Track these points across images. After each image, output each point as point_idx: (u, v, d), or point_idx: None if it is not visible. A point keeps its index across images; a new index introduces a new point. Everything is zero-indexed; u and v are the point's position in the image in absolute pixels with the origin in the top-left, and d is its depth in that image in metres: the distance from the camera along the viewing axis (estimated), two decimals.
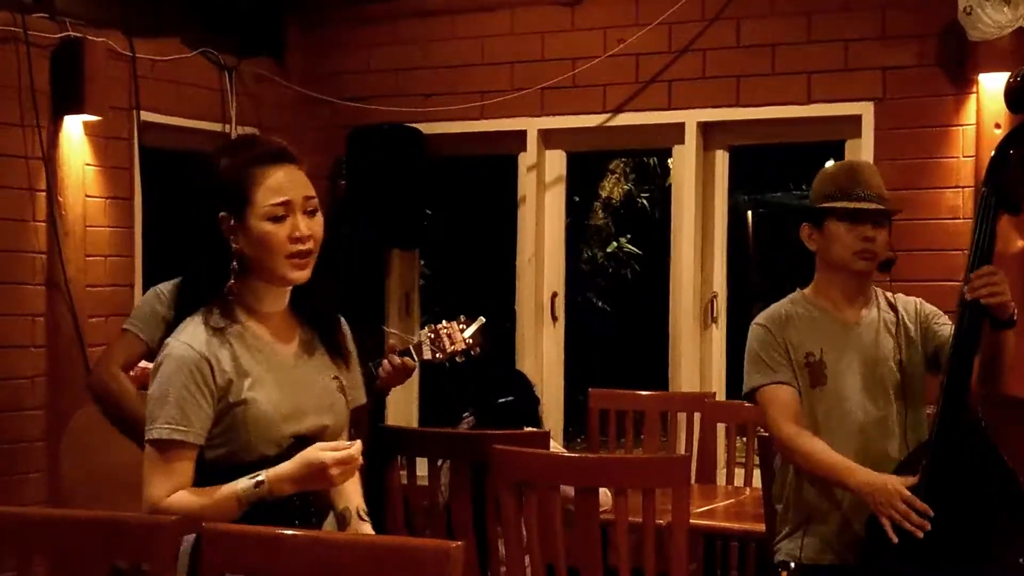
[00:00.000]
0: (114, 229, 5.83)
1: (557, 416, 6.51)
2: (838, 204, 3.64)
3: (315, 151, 6.69)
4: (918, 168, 5.57)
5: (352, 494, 2.96)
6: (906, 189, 5.40)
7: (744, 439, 5.45)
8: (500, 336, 6.57)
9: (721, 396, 6.08)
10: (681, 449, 5.64)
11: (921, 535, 3.31)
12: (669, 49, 6.08)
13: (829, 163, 7.53)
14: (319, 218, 2.84)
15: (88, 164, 5.65)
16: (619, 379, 6.87)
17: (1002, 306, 3.36)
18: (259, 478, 2.72)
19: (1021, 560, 3.25)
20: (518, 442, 4.02)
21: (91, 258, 5.66)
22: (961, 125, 5.51)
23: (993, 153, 3.48)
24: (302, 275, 2.82)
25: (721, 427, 5.57)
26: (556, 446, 4.65)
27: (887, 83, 5.68)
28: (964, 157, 5.50)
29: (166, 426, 2.73)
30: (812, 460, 3.56)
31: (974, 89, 5.44)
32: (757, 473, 4.51)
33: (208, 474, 2.77)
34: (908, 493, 3.35)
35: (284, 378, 2.84)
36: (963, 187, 5.50)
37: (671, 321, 6.22)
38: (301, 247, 2.79)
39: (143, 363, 4.42)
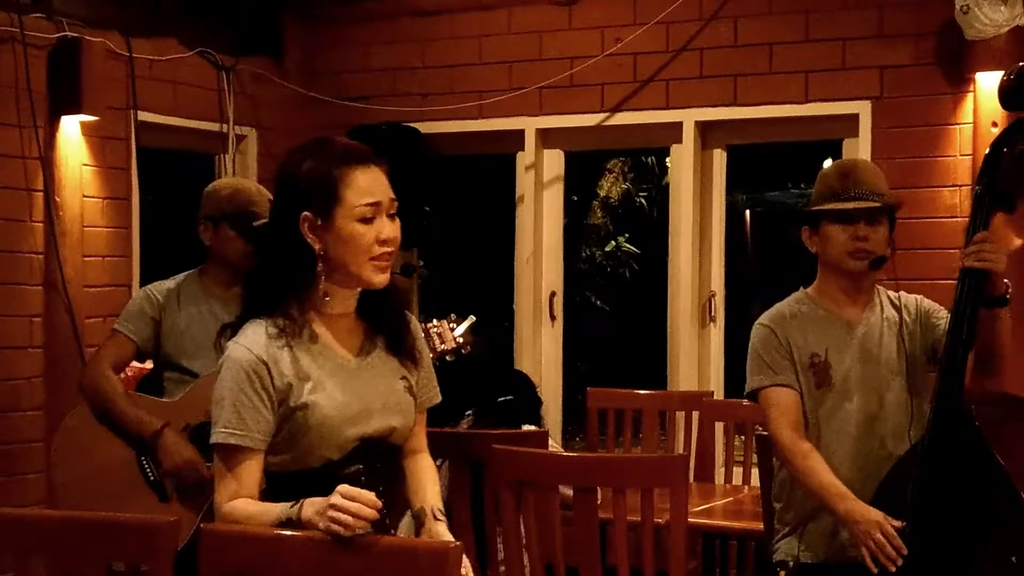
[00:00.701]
0: (111, 229, 5.82)
1: (555, 415, 6.51)
2: (827, 206, 3.66)
3: None
4: (915, 167, 5.58)
5: (429, 494, 2.95)
6: (903, 188, 5.39)
7: (743, 437, 5.45)
8: (498, 335, 6.58)
9: (719, 395, 6.08)
10: (679, 448, 5.64)
11: (893, 568, 3.32)
12: (666, 48, 6.09)
13: (827, 163, 7.54)
14: (398, 222, 2.82)
15: (85, 164, 5.65)
16: (617, 378, 6.86)
17: (994, 278, 3.37)
18: (301, 501, 2.63)
19: (1014, 559, 3.25)
20: (517, 441, 4.02)
21: (88, 258, 5.66)
22: (958, 124, 5.52)
23: (987, 151, 3.49)
24: (384, 278, 2.80)
25: (719, 426, 5.57)
26: (555, 445, 4.65)
27: (884, 82, 5.68)
28: (961, 156, 5.51)
29: (223, 430, 2.72)
30: (807, 477, 3.57)
31: (971, 88, 5.44)
32: (755, 472, 4.51)
33: (274, 480, 2.76)
34: (889, 528, 3.36)
35: (348, 380, 2.81)
36: (960, 186, 5.51)
37: (669, 320, 6.23)
38: (386, 249, 2.77)
39: (135, 363, 4.44)
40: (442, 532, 2.89)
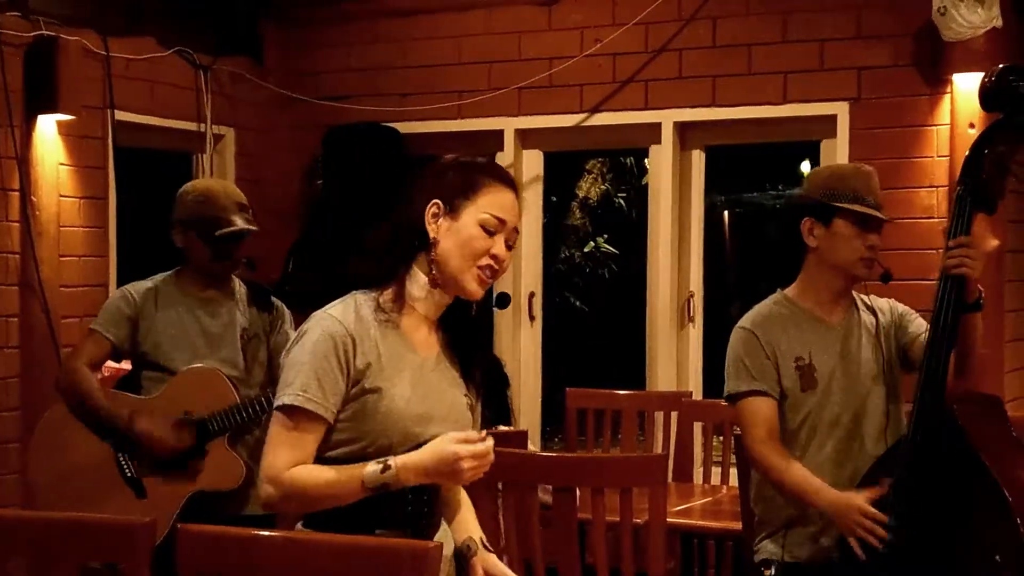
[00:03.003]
0: (88, 229, 5.80)
1: (534, 416, 6.51)
2: (857, 207, 3.64)
3: (291, 150, 6.68)
4: (893, 168, 5.59)
5: (472, 526, 2.95)
6: (881, 189, 5.40)
7: (721, 438, 5.46)
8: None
9: (698, 395, 6.09)
10: (658, 448, 5.65)
11: (880, 546, 3.36)
12: (646, 49, 6.09)
13: (805, 164, 7.55)
14: (511, 254, 2.85)
15: (62, 164, 5.62)
16: (596, 379, 6.87)
17: (969, 284, 3.38)
18: (388, 462, 2.68)
19: (998, 558, 3.26)
20: (495, 442, 4.01)
21: (65, 258, 5.63)
22: (935, 125, 5.54)
23: (968, 153, 3.49)
24: (478, 292, 2.81)
25: (698, 426, 5.57)
26: (533, 447, 4.65)
27: (862, 83, 5.70)
28: (938, 157, 5.52)
29: (301, 394, 2.69)
30: (782, 478, 3.60)
31: (948, 89, 5.46)
32: (734, 472, 4.51)
33: (326, 459, 2.74)
34: (869, 509, 3.39)
35: (420, 379, 2.81)
36: (937, 187, 5.52)
37: (648, 320, 6.23)
38: (491, 264, 2.79)
39: (111, 363, 4.46)
40: (497, 562, 2.92)
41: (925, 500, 3.36)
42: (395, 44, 6.61)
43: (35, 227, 5.44)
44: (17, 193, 5.45)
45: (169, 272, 4.43)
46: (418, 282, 2.82)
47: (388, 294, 2.82)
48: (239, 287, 4.46)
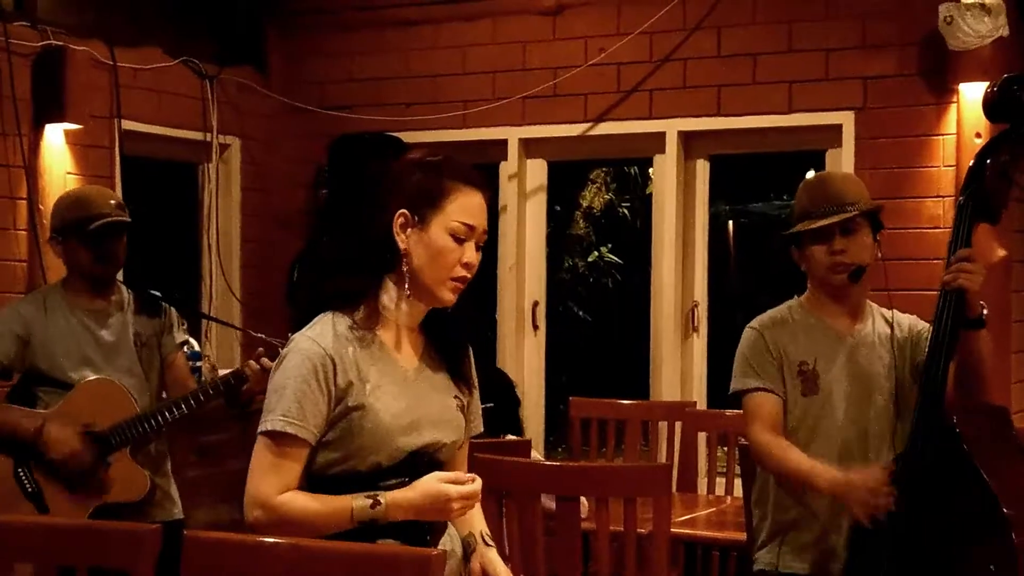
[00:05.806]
0: None
1: (538, 425, 6.51)
2: (800, 228, 3.67)
3: (296, 160, 6.69)
4: (899, 177, 5.60)
5: (475, 519, 2.93)
6: (887, 198, 5.38)
7: (725, 448, 5.45)
8: (478, 344, 6.57)
9: (702, 405, 6.09)
10: (662, 458, 5.64)
11: (882, 515, 3.33)
12: (650, 58, 6.10)
13: (810, 174, 7.56)
14: (480, 255, 2.83)
15: (69, 172, 5.63)
16: (600, 388, 6.87)
17: (970, 299, 3.37)
18: (378, 498, 2.69)
19: (992, 567, 3.25)
20: (499, 451, 4.02)
21: None
22: (941, 134, 5.54)
23: (971, 163, 3.49)
24: (453, 299, 2.80)
25: (702, 436, 5.57)
26: (537, 455, 4.65)
27: (868, 92, 5.70)
28: (945, 166, 5.52)
29: (281, 418, 2.69)
30: (783, 465, 3.58)
31: (954, 98, 5.46)
32: (738, 482, 4.51)
33: (319, 478, 2.74)
34: (871, 483, 3.36)
35: (404, 390, 2.80)
36: (944, 196, 5.52)
37: (652, 330, 6.23)
38: (465, 274, 2.78)
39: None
40: (494, 558, 2.91)
41: (922, 511, 3.34)
42: (399, 54, 6.62)
43: (42, 235, 5.45)
44: (25, 201, 5.47)
45: (54, 284, 4.43)
46: (392, 295, 2.80)
47: (361, 312, 2.79)
48: (126, 293, 4.41)
